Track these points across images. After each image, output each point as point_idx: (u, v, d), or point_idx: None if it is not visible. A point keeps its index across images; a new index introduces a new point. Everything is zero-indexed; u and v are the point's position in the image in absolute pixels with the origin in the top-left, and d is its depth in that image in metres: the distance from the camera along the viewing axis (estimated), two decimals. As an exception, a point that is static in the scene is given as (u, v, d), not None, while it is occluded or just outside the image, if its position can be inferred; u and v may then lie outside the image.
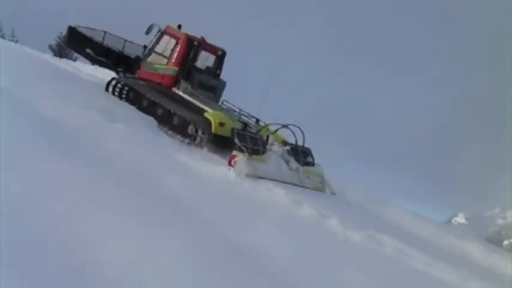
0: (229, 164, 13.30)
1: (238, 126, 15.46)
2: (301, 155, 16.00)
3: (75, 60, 29.07)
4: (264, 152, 14.62)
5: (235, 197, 10.13)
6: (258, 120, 16.99)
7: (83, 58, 21.00)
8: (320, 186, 15.47)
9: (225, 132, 14.84)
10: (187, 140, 15.48)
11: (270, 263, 6.89)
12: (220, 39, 18.63)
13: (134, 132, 11.73)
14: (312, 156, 16.47)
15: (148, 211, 6.87)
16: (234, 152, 13.63)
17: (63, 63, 23.03)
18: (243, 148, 13.87)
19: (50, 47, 38.53)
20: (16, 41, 41.19)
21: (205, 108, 15.74)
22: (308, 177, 15.31)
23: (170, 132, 15.92)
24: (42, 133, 8.45)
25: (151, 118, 15.14)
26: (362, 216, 12.86)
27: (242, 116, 17.04)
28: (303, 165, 15.54)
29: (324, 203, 11.55)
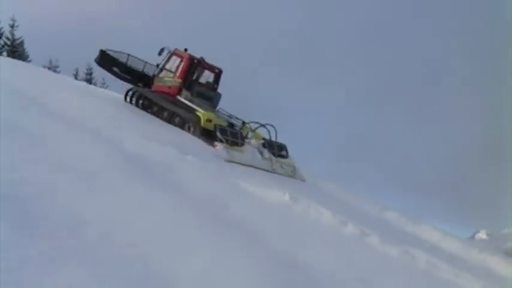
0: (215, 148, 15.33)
1: (224, 123, 17.53)
2: (276, 149, 17.66)
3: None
4: (242, 145, 16.40)
5: (289, 218, 10.08)
6: (244, 122, 18.86)
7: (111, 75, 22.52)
8: (292, 174, 17.05)
9: (213, 127, 16.73)
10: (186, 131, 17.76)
11: (320, 274, 6.83)
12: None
13: (203, 163, 11.82)
14: (286, 151, 18.12)
15: (217, 231, 6.90)
16: (216, 143, 15.60)
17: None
18: (223, 140, 15.77)
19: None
20: (106, 87, 42.19)
21: (198, 109, 17.84)
22: (281, 166, 16.95)
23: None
24: (128, 165, 8.59)
25: (214, 151, 15.32)
26: (398, 234, 12.72)
27: (231, 119, 19.10)
28: (277, 157, 17.21)
29: (365, 223, 11.44)
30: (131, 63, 21.79)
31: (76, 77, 51.92)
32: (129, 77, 21.88)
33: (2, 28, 46.41)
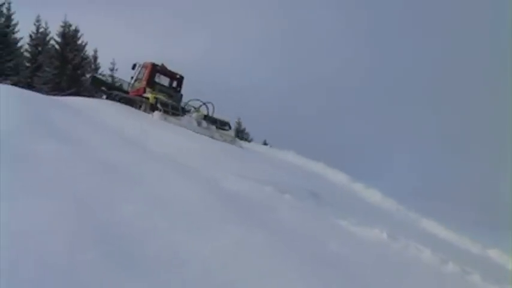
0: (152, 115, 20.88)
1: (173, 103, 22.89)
2: (218, 123, 23.56)
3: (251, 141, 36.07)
4: (182, 115, 21.57)
5: (387, 256, 9.91)
6: (195, 108, 24.28)
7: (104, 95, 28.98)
8: (231, 142, 21.82)
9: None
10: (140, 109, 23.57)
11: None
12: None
13: (301, 202, 11.79)
14: (229, 125, 24.59)
15: (315, 269, 6.77)
16: (155, 112, 21.18)
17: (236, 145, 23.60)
18: (161, 109, 21.25)
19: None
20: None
21: (149, 94, 23.26)
22: (220, 135, 21.71)
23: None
24: (225, 204, 8.70)
25: (312, 190, 15.31)
26: (500, 272, 12.36)
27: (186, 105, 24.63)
28: (218, 129, 22.51)
29: (466, 261, 11.20)
30: (116, 82, 28.75)
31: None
32: (113, 93, 27.21)
33: (103, 71, 48.43)
